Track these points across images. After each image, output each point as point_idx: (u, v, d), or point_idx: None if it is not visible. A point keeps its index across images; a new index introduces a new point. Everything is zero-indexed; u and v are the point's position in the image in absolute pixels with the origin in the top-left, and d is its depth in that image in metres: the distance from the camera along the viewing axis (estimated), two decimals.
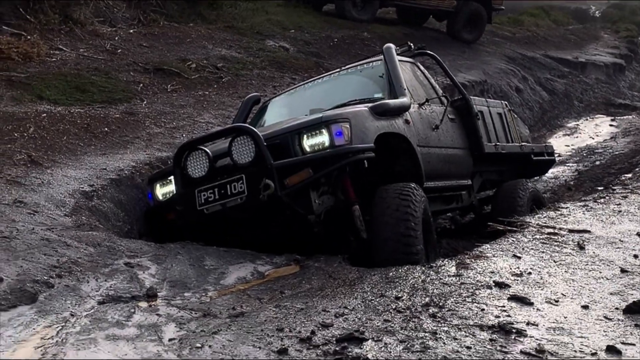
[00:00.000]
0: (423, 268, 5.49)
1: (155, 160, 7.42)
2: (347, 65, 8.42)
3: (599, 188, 11.12)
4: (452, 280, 5.14)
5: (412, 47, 8.46)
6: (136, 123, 8.37)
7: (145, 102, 9.22)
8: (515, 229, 6.36)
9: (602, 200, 7.13)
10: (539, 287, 4.97)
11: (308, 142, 6.17)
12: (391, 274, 5.41)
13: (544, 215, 6.69)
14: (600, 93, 21.31)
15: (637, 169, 11.14)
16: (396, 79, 7.39)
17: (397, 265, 5.73)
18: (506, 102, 9.75)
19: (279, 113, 8.08)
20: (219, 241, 6.43)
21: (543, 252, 5.69)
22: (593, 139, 16.80)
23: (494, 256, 5.58)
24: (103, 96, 8.94)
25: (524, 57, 20.91)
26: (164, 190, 6.82)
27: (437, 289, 4.97)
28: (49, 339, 4.17)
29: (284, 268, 5.78)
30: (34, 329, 4.27)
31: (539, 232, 6.19)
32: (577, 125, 18.46)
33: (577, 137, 17.16)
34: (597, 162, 13.39)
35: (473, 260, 5.53)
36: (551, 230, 6.18)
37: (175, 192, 6.61)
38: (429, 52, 8.74)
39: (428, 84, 8.12)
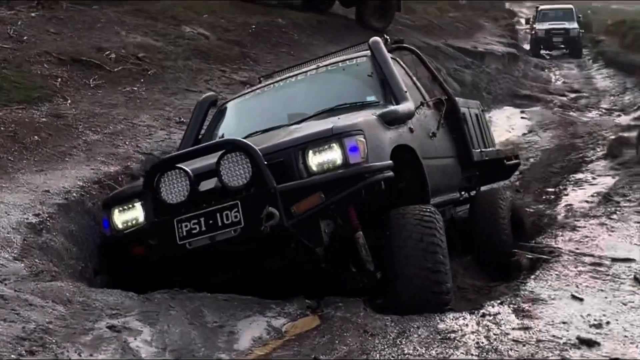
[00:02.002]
0: (475, 317, 4.54)
1: (104, 177, 6.10)
2: (324, 60, 7.31)
3: (550, 190, 10.56)
4: (522, 335, 4.22)
5: (389, 40, 7.42)
6: (68, 128, 6.98)
7: (69, 101, 7.79)
8: (545, 257, 5.50)
9: (615, 217, 6.42)
10: (633, 343, 4.12)
11: (315, 160, 5.07)
12: (440, 326, 4.45)
13: (567, 238, 5.88)
14: (504, 83, 21.08)
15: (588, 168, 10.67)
16: (393, 79, 6.37)
17: (424, 307, 4.79)
18: (479, 102, 8.92)
19: (246, 119, 6.88)
20: (201, 280, 5.31)
21: (602, 290, 4.87)
22: (510, 132, 16.40)
23: (552, 299, 4.70)
24: (20, 94, 7.46)
25: (429, 46, 20.29)
26: (125, 217, 5.54)
27: (512, 349, 4.05)
28: None
29: (302, 320, 4.68)
30: None
31: (577, 261, 5.38)
32: (490, 117, 17.97)
33: (494, 130, 16.66)
34: (532, 160, 12.89)
35: (530, 304, 4.62)
36: (591, 258, 5.37)
37: (144, 220, 5.38)
38: (408, 46, 7.76)
39: (412, 84, 7.13)
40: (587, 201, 9.21)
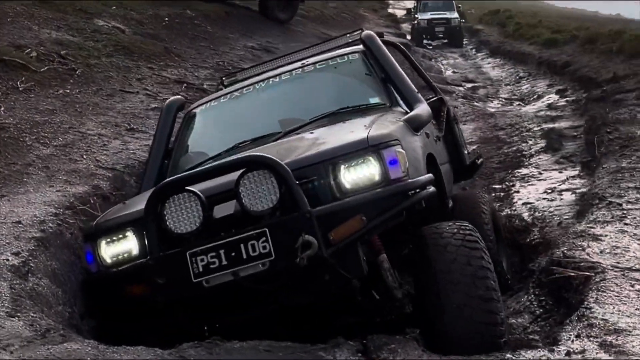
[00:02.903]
0: (559, 356, 3.96)
1: (75, 201, 5.17)
2: (305, 56, 6.56)
3: (497, 186, 10.23)
4: None
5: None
6: (15, 142, 5.95)
7: (3, 108, 6.71)
8: (587, 273, 5.02)
9: (628, 221, 6.01)
10: None
11: (349, 176, 4.37)
12: None
13: (597, 250, 5.42)
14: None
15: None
16: (400, 79, 5.72)
17: (476, 342, 4.13)
18: (447, 98, 8.41)
19: (227, 126, 6.04)
20: (213, 320, 4.53)
21: None
22: None
23: (633, 328, 4.18)
24: None
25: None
26: (115, 249, 4.65)
27: None
28: None
29: None
30: None
31: (627, 277, 4.93)
32: None
33: None
34: None
35: (615, 337, 4.08)
36: None
37: (138, 253, 4.55)
38: (391, 40, 7.09)
39: None
40: (545, 198, 8.93)
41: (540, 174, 10.31)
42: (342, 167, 4.36)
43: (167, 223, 4.34)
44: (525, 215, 8.32)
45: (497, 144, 12.83)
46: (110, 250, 4.65)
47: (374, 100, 5.69)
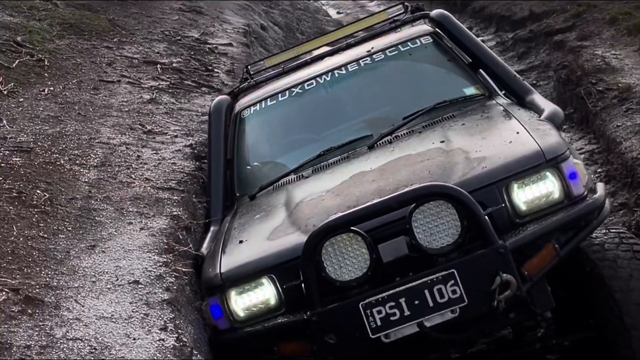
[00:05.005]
0: None
1: (166, 239, 4.40)
2: (344, 37, 5.90)
3: None
4: None
5: (408, 7, 6.09)
6: (54, 167, 4.99)
7: (5, 122, 5.68)
8: None
9: None
10: None
11: (523, 196, 3.94)
12: None
13: None
14: (310, 21, 20.08)
15: None
16: (494, 62, 5.22)
17: None
18: None
19: (297, 130, 5.38)
20: None
21: None
22: None
23: None
24: None
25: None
26: (250, 300, 4.03)
27: None
28: None
29: None
30: None
31: None
32: None
33: None
34: None
35: None
36: None
37: (277, 302, 3.95)
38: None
39: None
40: None
41: None
42: (515, 186, 3.88)
43: (327, 270, 3.73)
44: None
45: None
46: (243, 303, 4.03)
47: (470, 91, 5.15)
